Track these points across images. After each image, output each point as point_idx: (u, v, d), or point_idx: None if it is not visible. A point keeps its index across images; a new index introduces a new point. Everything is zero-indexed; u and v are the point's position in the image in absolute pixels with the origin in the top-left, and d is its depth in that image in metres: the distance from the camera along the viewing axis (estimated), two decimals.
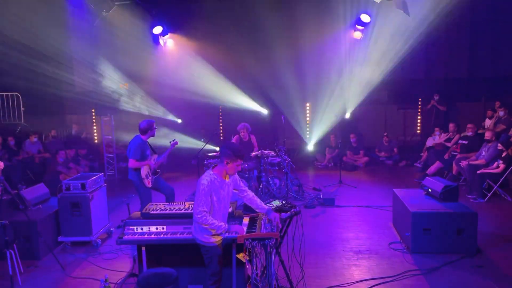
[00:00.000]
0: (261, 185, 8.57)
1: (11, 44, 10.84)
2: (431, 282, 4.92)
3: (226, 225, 4.05)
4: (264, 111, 13.56)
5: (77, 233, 6.19)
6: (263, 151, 8.61)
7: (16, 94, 12.13)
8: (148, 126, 6.34)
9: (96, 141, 13.49)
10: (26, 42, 11.05)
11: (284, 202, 4.61)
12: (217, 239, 4.05)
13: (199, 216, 3.89)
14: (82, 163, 11.02)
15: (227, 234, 4.26)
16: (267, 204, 4.51)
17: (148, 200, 6.30)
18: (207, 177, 4.01)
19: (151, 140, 6.59)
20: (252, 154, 8.68)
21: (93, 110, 13.62)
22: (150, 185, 6.38)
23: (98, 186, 6.53)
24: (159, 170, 6.59)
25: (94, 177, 6.44)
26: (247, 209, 4.73)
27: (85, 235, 6.19)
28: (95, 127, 13.55)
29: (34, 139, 11.01)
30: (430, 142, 11.75)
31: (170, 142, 6.78)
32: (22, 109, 12.14)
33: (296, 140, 13.61)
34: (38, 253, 5.89)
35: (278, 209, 4.36)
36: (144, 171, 6.31)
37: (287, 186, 8.68)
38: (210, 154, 8.95)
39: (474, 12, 11.68)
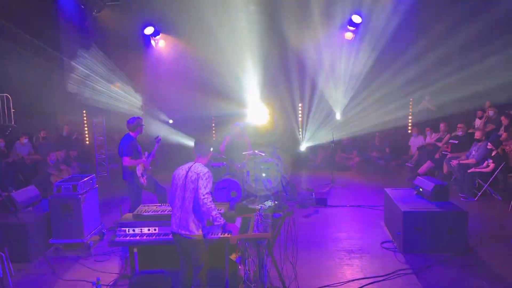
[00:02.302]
0: (254, 185, 8.56)
1: (1, 45, 10.74)
2: (423, 281, 4.95)
3: (224, 220, 4.07)
4: (257, 111, 13.55)
5: (69, 235, 6.14)
6: (256, 151, 8.61)
7: (6, 96, 11.99)
8: (137, 123, 6.36)
9: (87, 142, 13.40)
10: (16, 43, 10.95)
11: (276, 202, 4.63)
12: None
13: (206, 197, 3.96)
14: (73, 164, 10.94)
15: (220, 235, 4.26)
16: (260, 205, 4.51)
17: (138, 200, 6.29)
18: (203, 166, 4.16)
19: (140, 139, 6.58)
20: (246, 153, 8.68)
21: (84, 111, 13.53)
22: (145, 183, 6.37)
23: (90, 188, 6.49)
24: (150, 168, 6.59)
25: (85, 179, 6.40)
26: (240, 210, 4.74)
27: (76, 237, 6.14)
28: (86, 128, 13.46)
29: (24, 140, 10.89)
30: (412, 141, 11.95)
31: (154, 139, 6.76)
32: (12, 110, 12.01)
33: (289, 140, 13.62)
34: (29, 256, 5.84)
35: (271, 209, 4.38)
36: (140, 169, 6.30)
37: (279, 186, 8.69)
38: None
39: (464, 13, 11.79)
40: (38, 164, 10.56)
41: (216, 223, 4.01)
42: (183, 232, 4.02)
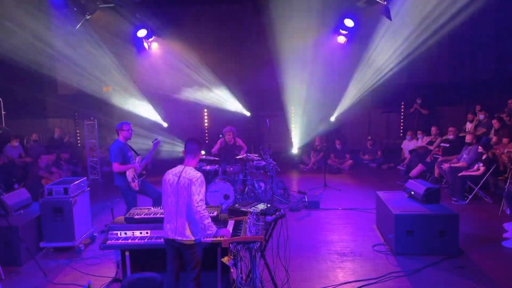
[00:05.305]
0: (247, 188, 8.58)
1: None
2: (414, 284, 4.98)
3: (216, 228, 4.04)
4: (249, 114, 13.58)
5: (60, 238, 6.09)
6: (248, 154, 8.63)
7: None
8: (119, 127, 6.30)
9: (79, 145, 13.32)
10: (7, 44, 10.87)
11: (269, 205, 4.63)
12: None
13: (199, 205, 3.89)
14: (65, 167, 10.85)
15: (212, 238, 4.26)
16: (252, 208, 4.52)
17: (134, 204, 6.25)
18: (194, 170, 4.08)
19: (134, 143, 6.54)
20: (239, 156, 8.69)
21: (76, 113, 13.47)
22: (137, 188, 6.33)
23: (81, 191, 6.45)
24: (144, 172, 6.54)
25: (77, 182, 6.36)
26: (232, 213, 4.74)
27: (67, 241, 6.10)
28: (78, 131, 13.39)
29: (15, 143, 10.80)
30: (405, 145, 12.06)
31: (152, 141, 6.71)
32: (3, 112, 11.93)
33: (281, 143, 13.66)
34: (20, 259, 5.78)
35: (263, 213, 4.38)
36: (130, 174, 6.25)
37: (272, 190, 8.72)
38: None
39: (454, 18, 11.92)
40: (29, 167, 10.47)
41: (208, 232, 3.97)
42: (179, 238, 3.98)
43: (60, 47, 12.35)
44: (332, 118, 13.30)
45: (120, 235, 4.58)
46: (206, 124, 14.20)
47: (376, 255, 5.88)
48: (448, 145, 10.01)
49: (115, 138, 6.48)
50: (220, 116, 12.98)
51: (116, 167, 6.13)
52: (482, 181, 8.33)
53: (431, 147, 10.79)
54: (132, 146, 6.53)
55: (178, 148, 12.49)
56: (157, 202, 6.51)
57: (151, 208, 5.08)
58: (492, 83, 12.80)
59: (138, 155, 6.51)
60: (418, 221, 5.77)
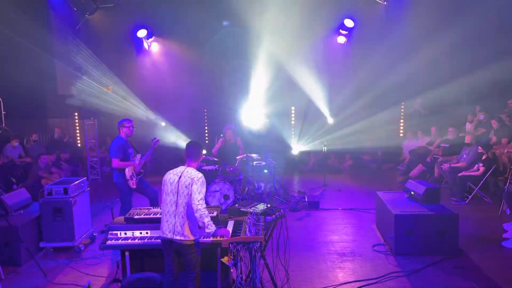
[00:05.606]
0: (247, 188, 8.58)
1: None
2: (414, 284, 4.98)
3: (215, 227, 4.07)
4: (250, 114, 13.56)
5: (60, 238, 6.09)
6: (249, 154, 8.63)
7: None
8: (120, 124, 6.35)
9: (79, 145, 13.31)
10: (6, 44, 10.87)
11: (269, 205, 4.64)
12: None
13: (200, 203, 3.94)
14: (65, 167, 10.84)
15: (212, 238, 4.26)
16: (252, 208, 4.52)
17: (129, 203, 6.26)
18: (195, 171, 4.13)
19: (134, 141, 6.55)
20: (238, 157, 8.69)
21: (76, 114, 13.47)
22: (134, 186, 6.34)
23: (81, 191, 6.45)
24: (142, 170, 6.55)
25: (77, 182, 6.36)
26: (232, 213, 4.74)
27: (67, 241, 6.10)
28: (78, 131, 13.38)
29: (15, 143, 10.80)
30: (405, 145, 12.10)
31: (151, 140, 6.71)
32: (3, 113, 11.94)
33: (282, 143, 13.64)
34: (20, 259, 5.78)
35: (263, 213, 4.38)
36: (129, 172, 6.26)
37: (272, 190, 8.71)
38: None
39: (455, 17, 11.91)
40: (29, 167, 10.47)
41: (207, 230, 4.00)
42: (178, 238, 3.98)
43: (60, 47, 12.36)
44: (332, 118, 13.28)
45: (120, 235, 4.59)
46: (206, 124, 14.18)
47: (376, 255, 5.88)
48: (448, 145, 10.02)
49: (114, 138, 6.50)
50: (221, 116, 12.96)
51: (116, 163, 6.15)
52: (482, 181, 8.33)
53: (431, 147, 10.79)
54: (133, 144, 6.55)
55: (177, 147, 12.47)
56: (154, 201, 6.53)
57: (151, 208, 5.08)
58: (492, 84, 12.79)
59: (138, 152, 6.52)
60: (418, 221, 5.77)
